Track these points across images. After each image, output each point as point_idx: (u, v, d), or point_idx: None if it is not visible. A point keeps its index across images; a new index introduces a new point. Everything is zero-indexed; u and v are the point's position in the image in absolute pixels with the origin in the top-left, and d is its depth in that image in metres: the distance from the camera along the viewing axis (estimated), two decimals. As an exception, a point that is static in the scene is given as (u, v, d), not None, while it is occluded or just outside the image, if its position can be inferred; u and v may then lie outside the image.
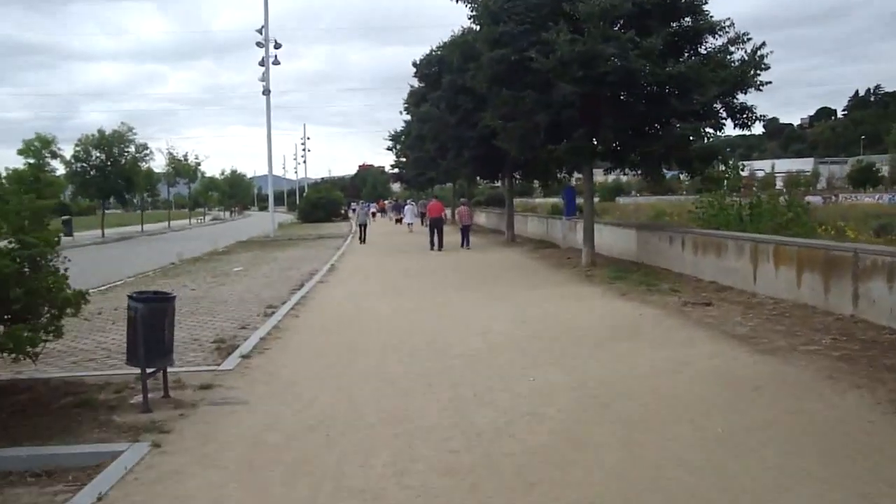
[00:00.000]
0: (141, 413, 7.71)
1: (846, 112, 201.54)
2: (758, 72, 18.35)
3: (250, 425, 7.30)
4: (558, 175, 31.05)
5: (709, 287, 15.82)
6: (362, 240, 35.69)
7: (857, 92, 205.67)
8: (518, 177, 34.40)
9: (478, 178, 43.41)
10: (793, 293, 13.19)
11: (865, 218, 32.66)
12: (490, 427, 6.94)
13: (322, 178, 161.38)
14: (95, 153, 52.98)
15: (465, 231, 31.96)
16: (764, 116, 19.65)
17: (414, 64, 35.94)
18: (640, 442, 6.43)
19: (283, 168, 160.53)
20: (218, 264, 27.69)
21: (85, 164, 52.89)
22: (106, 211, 63.81)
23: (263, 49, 47.54)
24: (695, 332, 11.13)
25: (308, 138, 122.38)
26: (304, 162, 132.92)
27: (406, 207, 49.15)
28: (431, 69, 34.66)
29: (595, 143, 19.88)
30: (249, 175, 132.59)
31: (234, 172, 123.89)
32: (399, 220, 54.36)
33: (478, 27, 21.99)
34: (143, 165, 56.31)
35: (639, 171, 22.22)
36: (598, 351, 10.04)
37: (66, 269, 8.39)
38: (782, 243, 14.04)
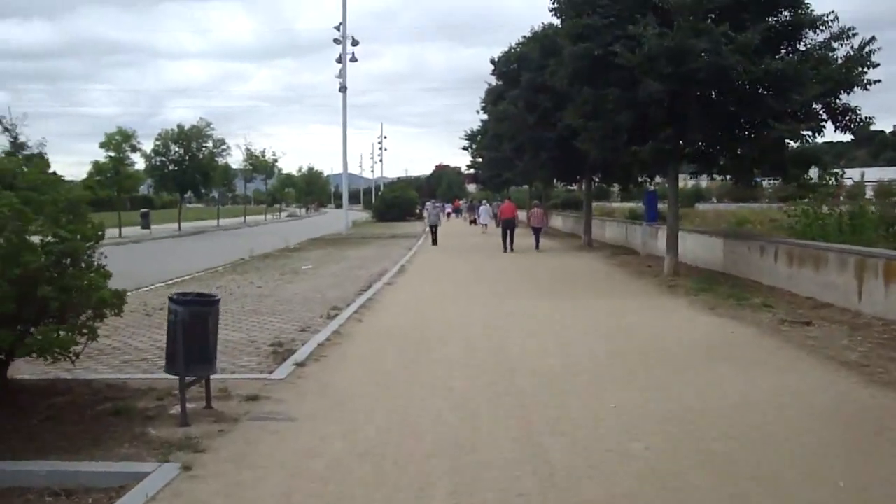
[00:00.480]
0: (178, 426, 7.00)
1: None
2: (864, 70, 16.91)
3: (294, 449, 6.49)
4: (639, 179, 29.77)
5: (805, 303, 14.48)
6: (434, 241, 34.60)
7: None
8: (597, 180, 33.15)
9: (555, 180, 42.25)
10: (907, 314, 11.83)
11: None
12: (566, 465, 5.98)
13: (398, 178, 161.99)
14: (174, 147, 53.71)
15: (537, 233, 31.66)
16: (870, 119, 18.15)
17: (492, 61, 34.97)
18: (746, 494, 5.39)
19: (360, 167, 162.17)
20: (288, 261, 27.41)
21: (164, 158, 53.72)
22: (187, 205, 64.85)
23: (341, 46, 47.54)
24: (797, 357, 9.93)
25: (385, 137, 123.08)
26: (381, 161, 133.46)
27: (481, 208, 48.66)
28: (510, 66, 33.64)
29: (681, 144, 18.64)
30: (327, 173, 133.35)
31: (311, 170, 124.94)
32: (474, 221, 53.76)
33: (559, 21, 20.97)
34: (220, 160, 56.83)
35: (727, 177, 20.90)
36: (688, 374, 8.95)
37: (104, 266, 7.74)
38: (895, 258, 12.66)
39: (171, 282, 20.64)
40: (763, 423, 6.98)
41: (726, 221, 35.31)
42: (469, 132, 50.93)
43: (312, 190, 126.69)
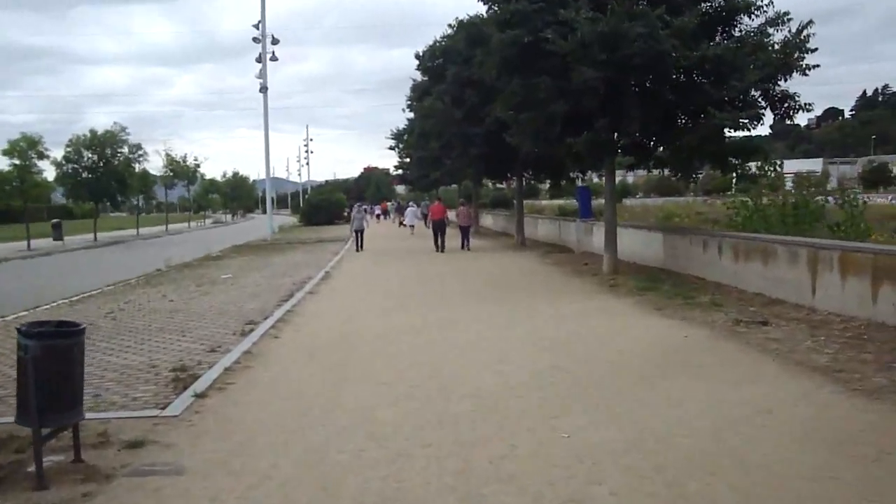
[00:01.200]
0: (33, 490, 5.60)
1: (854, 112, 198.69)
2: (802, 54, 16.24)
3: (175, 517, 5.17)
4: (571, 174, 29.00)
5: (755, 300, 13.65)
6: (359, 247, 31.97)
7: (864, 92, 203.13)
8: (528, 176, 32.24)
9: (484, 178, 41.36)
10: (866, 310, 11.00)
11: (882, 219, 30.04)
12: (516, 523, 4.80)
13: (326, 181, 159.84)
14: (87, 154, 51.06)
15: (465, 232, 31.42)
16: (810, 105, 17.51)
17: (417, 56, 33.64)
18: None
19: (287, 171, 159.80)
20: (207, 271, 25.94)
21: (76, 166, 50.97)
22: (110, 214, 61.96)
23: (260, 45, 45.77)
24: (762, 363, 8.95)
25: (311, 140, 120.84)
26: (307, 164, 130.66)
27: (407, 210, 47.80)
28: (435, 61, 32.45)
29: (617, 136, 17.72)
30: (253, 178, 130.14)
31: (235, 175, 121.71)
32: (403, 223, 52.71)
33: (486, 9, 19.86)
34: (137, 167, 54.36)
35: (663, 170, 20.11)
36: (645, 390, 7.87)
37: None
38: (852, 249, 11.84)
39: (74, 298, 18.95)
40: (741, 451, 5.91)
41: (653, 216, 34.92)
42: (395, 131, 49.51)
43: (238, 195, 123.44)
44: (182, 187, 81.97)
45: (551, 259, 24.72)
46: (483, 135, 27.65)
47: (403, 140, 48.80)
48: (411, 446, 6.35)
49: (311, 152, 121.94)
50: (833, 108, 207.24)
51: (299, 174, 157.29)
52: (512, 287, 17.58)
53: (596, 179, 41.49)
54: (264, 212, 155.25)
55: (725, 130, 16.86)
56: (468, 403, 7.61)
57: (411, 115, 41.62)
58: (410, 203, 57.17)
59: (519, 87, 17.77)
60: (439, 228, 30.23)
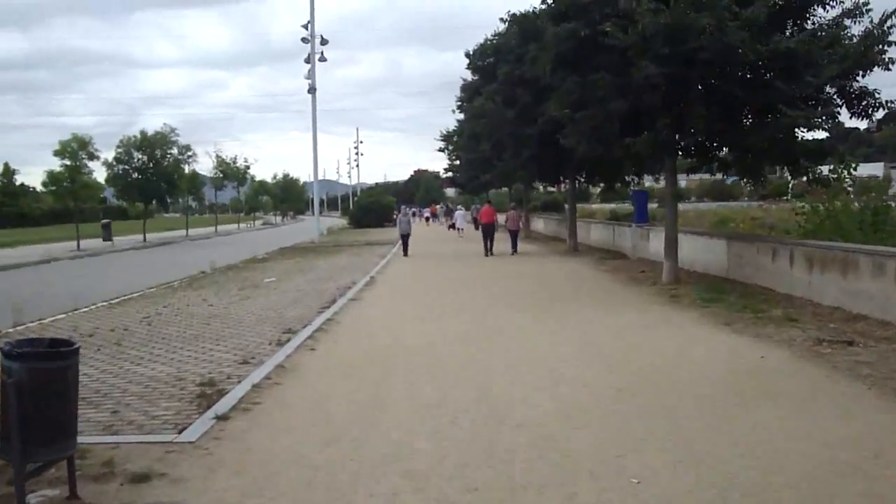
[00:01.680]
0: (15, 534, 4.83)
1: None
2: (885, 47, 14.97)
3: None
4: (626, 178, 27.85)
5: (834, 315, 12.45)
6: (405, 252, 30.55)
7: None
8: (581, 179, 31.08)
9: (536, 181, 40.25)
10: (969, 329, 9.81)
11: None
12: None
13: (376, 184, 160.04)
14: (137, 155, 51.24)
15: (514, 236, 30.64)
16: (891, 103, 16.22)
17: (467, 55, 32.64)
18: None
19: (337, 173, 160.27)
20: (252, 273, 25.39)
21: (127, 166, 51.17)
22: (164, 215, 62.25)
23: (309, 45, 45.39)
24: (856, 392, 7.82)
25: (361, 142, 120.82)
26: (357, 166, 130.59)
27: (457, 213, 47.31)
28: (486, 60, 31.46)
29: (680, 136, 16.62)
30: (304, 180, 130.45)
31: (286, 177, 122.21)
32: (452, 226, 52.11)
33: (540, 3, 18.90)
34: (186, 168, 54.44)
35: (727, 172, 18.93)
36: (725, 423, 6.83)
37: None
38: (951, 261, 10.64)
39: (115, 300, 18.45)
40: (855, 510, 4.89)
41: (708, 221, 33.57)
42: (445, 132, 48.57)
43: (288, 197, 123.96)
44: (232, 189, 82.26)
45: (605, 265, 23.62)
46: (535, 136, 26.59)
47: (453, 142, 47.91)
48: (454, 491, 5.43)
49: (361, 154, 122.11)
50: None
51: (349, 176, 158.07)
52: (564, 295, 16.59)
53: (649, 183, 40.19)
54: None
55: (797, 130, 15.69)
56: (520, 435, 6.66)
57: (461, 116, 40.71)
58: (459, 206, 56.58)
59: (575, 85, 16.75)
60: (488, 232, 29.86)
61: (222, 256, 33.11)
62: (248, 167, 77.12)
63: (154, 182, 51.14)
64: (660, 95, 15.30)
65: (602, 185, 30.66)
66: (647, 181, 35.49)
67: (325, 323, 13.77)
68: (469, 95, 34.57)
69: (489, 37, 31.06)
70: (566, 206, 35.07)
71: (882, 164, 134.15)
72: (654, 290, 16.87)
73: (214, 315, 15.28)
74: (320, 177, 51.69)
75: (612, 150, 17.63)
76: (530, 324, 12.85)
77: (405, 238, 31.22)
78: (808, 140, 15.84)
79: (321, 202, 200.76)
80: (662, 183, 40.57)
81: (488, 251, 29.46)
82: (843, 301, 12.91)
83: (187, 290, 20.75)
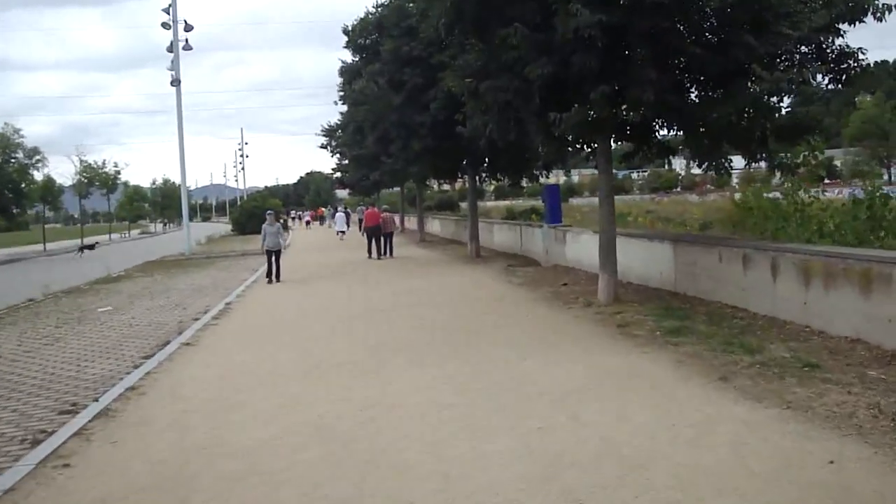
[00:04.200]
0: None
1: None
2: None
3: None
4: (536, 171, 24.04)
5: (865, 355, 8.67)
6: (271, 276, 21.99)
7: None
8: (484, 174, 26.87)
9: (430, 178, 36.07)
10: None
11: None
12: None
13: (266, 187, 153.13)
14: (-27, 159, 44.66)
15: (388, 238, 29.72)
16: (870, 66, 12.82)
17: (345, 31, 27.63)
18: None
19: (224, 176, 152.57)
20: (91, 299, 20.66)
21: (-39, 173, 44.52)
22: (52, 225, 55.13)
23: (172, 32, 39.91)
24: None
25: (246, 143, 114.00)
26: (243, 169, 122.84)
27: (337, 215, 44.50)
28: (368, 37, 26.82)
29: (618, 109, 12.61)
30: (194, 185, 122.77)
31: (166, 182, 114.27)
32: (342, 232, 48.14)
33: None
34: (37, 173, 47.93)
35: (669, 158, 15.16)
36: None
37: None
38: None
39: None
40: None
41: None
42: (327, 127, 43.48)
43: (170, 203, 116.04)
44: (101, 196, 74.97)
45: (517, 276, 19.53)
46: (428, 124, 22.42)
47: (336, 137, 43.04)
48: None
49: (247, 156, 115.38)
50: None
51: (236, 179, 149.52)
52: (474, 328, 12.29)
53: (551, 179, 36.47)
54: (204, 219, 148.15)
55: (770, 101, 11.97)
56: None
57: (344, 107, 36.02)
58: (338, 209, 54.06)
59: (480, 46, 12.58)
60: (374, 234, 28.88)
61: (71, 275, 28.09)
62: (118, 172, 70.58)
63: (-6, 190, 44.65)
64: (595, 55, 11.21)
65: (507, 180, 26.51)
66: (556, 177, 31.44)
67: (128, 392, 9.21)
68: (349, 79, 29.90)
69: (371, 8, 26.34)
70: (462, 205, 31.11)
71: (842, 149, 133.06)
72: (592, 313, 12.82)
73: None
74: (213, 181, 46.43)
75: (528, 132, 13.53)
76: (429, 389, 8.53)
77: (272, 256, 22.07)
78: (785, 114, 12.11)
79: (211, 207, 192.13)
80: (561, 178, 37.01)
81: (372, 254, 28.53)
82: (867, 332, 9.15)
83: (-12, 327, 15.86)
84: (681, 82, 12.07)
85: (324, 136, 43.98)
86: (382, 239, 29.37)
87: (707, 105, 11.82)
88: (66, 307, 19.26)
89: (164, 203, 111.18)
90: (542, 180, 26.71)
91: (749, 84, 11.49)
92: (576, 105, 11.63)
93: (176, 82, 40.71)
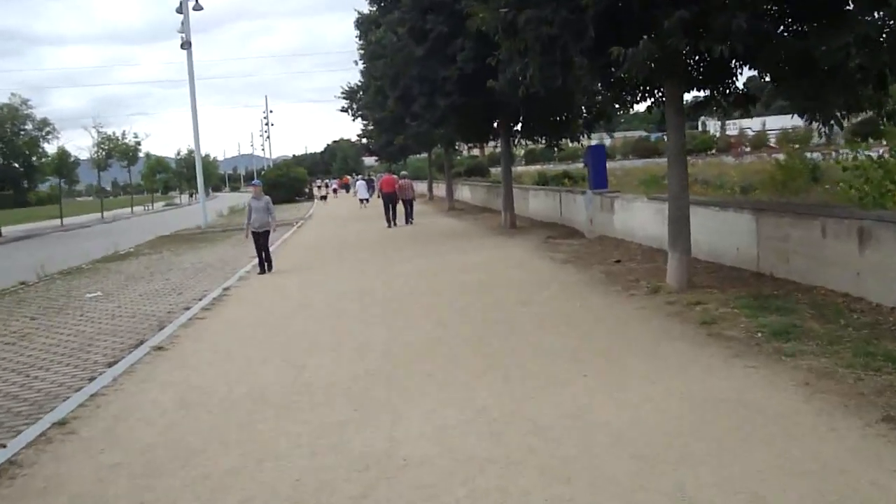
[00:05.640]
0: None
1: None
2: None
3: None
4: (580, 129, 21.31)
5: None
6: (263, 267, 17.45)
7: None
8: (518, 135, 24.00)
9: (459, 142, 33.36)
10: None
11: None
12: None
13: (293, 155, 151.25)
14: (-19, 132, 42.61)
15: (409, 205, 29.72)
16: None
17: (360, -24, 24.78)
18: None
19: (251, 146, 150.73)
20: (85, 282, 18.95)
21: (-30, 146, 42.56)
22: (76, 199, 53.61)
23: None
24: None
25: (271, 111, 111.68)
26: (268, 138, 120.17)
27: (358, 183, 43.52)
28: (387, -19, 23.98)
29: (699, 42, 9.79)
30: (223, 156, 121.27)
31: (191, 152, 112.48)
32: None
33: None
34: (48, 145, 45.86)
35: (749, 107, 12.34)
36: None
37: None
38: None
39: None
40: None
41: (636, 179, 27.64)
42: (347, 88, 40.61)
43: (195, 174, 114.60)
44: (122, 168, 72.97)
45: (561, 252, 16.87)
46: (455, 79, 19.72)
47: (358, 100, 40.24)
48: None
49: (272, 125, 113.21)
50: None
51: (263, 149, 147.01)
52: (510, 327, 9.66)
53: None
54: (232, 190, 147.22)
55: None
56: None
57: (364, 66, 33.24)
58: (359, 176, 53.41)
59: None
60: (390, 201, 28.82)
61: (79, 253, 26.51)
62: (138, 144, 68.54)
63: (3, 165, 42.56)
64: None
65: (543, 141, 23.65)
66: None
67: (55, 431, 6.86)
68: (365, 31, 27.05)
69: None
70: (493, 170, 28.54)
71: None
72: (662, 303, 10.16)
73: None
74: (240, 151, 44.50)
75: (577, 77, 10.82)
76: (461, 444, 5.97)
77: (259, 240, 17.54)
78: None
79: (240, 177, 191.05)
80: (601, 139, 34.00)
81: (390, 223, 28.33)
82: None
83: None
84: (781, 7, 9.26)
85: (344, 98, 41.19)
86: (403, 205, 29.08)
87: (818, 36, 8.98)
88: (54, 292, 17.46)
89: (189, 174, 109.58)
90: (583, 141, 23.88)
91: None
92: (645, 37, 8.88)
93: (186, 45, 38.37)
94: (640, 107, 12.25)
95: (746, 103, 11.79)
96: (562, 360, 7.80)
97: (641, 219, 16.63)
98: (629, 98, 11.50)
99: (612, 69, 9.67)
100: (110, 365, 9.44)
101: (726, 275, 11.84)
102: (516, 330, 9.41)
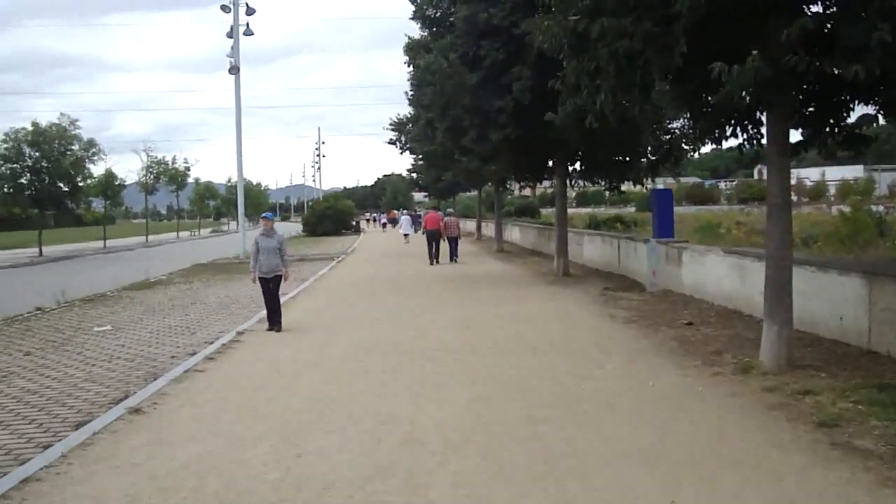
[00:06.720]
0: None
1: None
2: None
3: None
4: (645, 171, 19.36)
5: None
6: (272, 322, 13.85)
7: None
8: (577, 172, 21.88)
9: (511, 179, 31.58)
10: None
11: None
12: None
13: (344, 188, 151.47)
14: (28, 151, 42.05)
15: (453, 243, 29.59)
16: None
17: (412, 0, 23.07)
18: None
19: (303, 177, 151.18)
20: (103, 311, 17.83)
21: (16, 166, 41.96)
22: (132, 221, 53.36)
23: (232, 16, 36.61)
24: None
25: (323, 143, 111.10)
26: (319, 168, 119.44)
27: (403, 218, 45.40)
28: (439, 7, 22.21)
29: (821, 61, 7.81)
30: (274, 185, 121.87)
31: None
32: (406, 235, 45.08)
33: None
34: (93, 167, 45.26)
35: (862, 148, 10.29)
36: None
37: None
38: None
39: None
40: None
41: (689, 226, 25.74)
42: (396, 120, 39.16)
43: (247, 202, 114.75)
44: (170, 193, 72.71)
45: (621, 308, 14.80)
46: (509, 110, 17.95)
47: (406, 132, 38.72)
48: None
49: (323, 156, 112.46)
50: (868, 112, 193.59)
51: (313, 180, 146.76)
52: (564, 414, 7.62)
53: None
54: (283, 219, 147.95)
55: None
56: None
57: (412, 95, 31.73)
58: (404, 212, 52.83)
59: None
60: (433, 238, 28.75)
61: (110, 277, 25.53)
62: (187, 168, 68.30)
63: (48, 184, 41.94)
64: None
65: (604, 183, 21.53)
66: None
67: None
68: (414, 57, 25.36)
69: (444, -30, 21.62)
70: (543, 211, 26.55)
71: (861, 166, 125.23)
72: (758, 390, 8.05)
73: None
74: (294, 182, 43.53)
75: (655, 104, 8.91)
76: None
77: (268, 286, 13.90)
78: None
79: (290, 207, 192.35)
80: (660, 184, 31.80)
81: (433, 261, 28.12)
82: None
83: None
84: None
85: (392, 130, 39.73)
86: (448, 243, 28.93)
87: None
88: (65, 322, 16.20)
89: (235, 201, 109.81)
90: (646, 184, 21.84)
91: None
92: (754, 52, 6.95)
93: (235, 69, 37.37)
94: (727, 143, 10.25)
95: (858, 144, 9.72)
96: (637, 470, 5.81)
97: (715, 275, 14.58)
98: (716, 132, 9.49)
99: (704, 94, 7.72)
100: (77, 427, 7.80)
101: (829, 351, 9.74)
102: (576, 417, 7.42)
